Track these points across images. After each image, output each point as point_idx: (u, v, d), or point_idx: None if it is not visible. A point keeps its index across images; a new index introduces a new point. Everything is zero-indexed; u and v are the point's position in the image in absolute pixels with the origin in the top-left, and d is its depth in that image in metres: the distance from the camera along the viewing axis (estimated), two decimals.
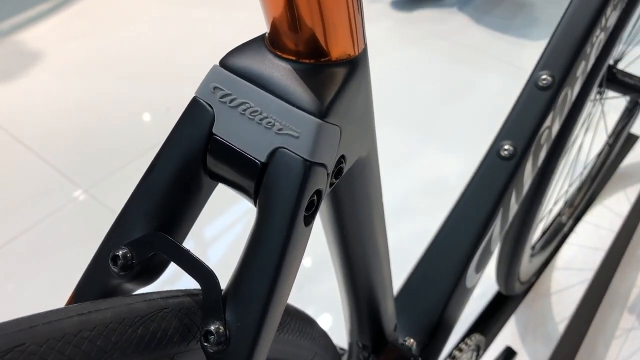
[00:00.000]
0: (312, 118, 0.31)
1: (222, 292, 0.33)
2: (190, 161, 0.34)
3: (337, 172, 0.34)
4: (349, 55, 0.33)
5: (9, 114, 1.66)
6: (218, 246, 1.35)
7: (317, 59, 0.32)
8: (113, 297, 0.33)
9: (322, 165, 0.32)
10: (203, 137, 0.33)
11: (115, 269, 0.34)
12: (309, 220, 0.33)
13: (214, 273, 0.33)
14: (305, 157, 0.31)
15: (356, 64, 0.33)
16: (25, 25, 1.99)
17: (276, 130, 0.31)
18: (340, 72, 0.32)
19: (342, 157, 0.34)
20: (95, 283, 0.36)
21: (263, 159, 0.32)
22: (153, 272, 0.35)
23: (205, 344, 0.31)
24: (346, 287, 0.53)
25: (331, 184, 0.34)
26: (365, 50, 0.34)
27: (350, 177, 0.40)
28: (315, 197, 0.32)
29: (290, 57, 0.32)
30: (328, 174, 0.33)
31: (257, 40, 0.33)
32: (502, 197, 0.73)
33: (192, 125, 0.33)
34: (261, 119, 0.32)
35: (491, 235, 0.74)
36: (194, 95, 0.34)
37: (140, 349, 0.30)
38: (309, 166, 0.31)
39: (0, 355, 0.25)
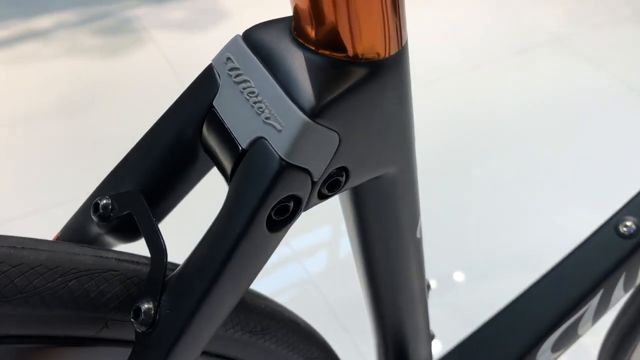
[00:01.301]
0: (299, 114, 0.27)
1: (170, 275, 0.30)
2: (189, 128, 0.32)
3: (332, 184, 0.30)
4: (376, 55, 0.28)
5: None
6: None
7: (336, 53, 0.28)
8: (82, 244, 0.32)
9: (304, 170, 0.28)
10: (204, 107, 0.31)
11: (94, 217, 0.33)
12: (278, 227, 0.29)
13: (165, 252, 0.30)
14: (281, 154, 0.27)
15: (384, 67, 0.29)
16: None
17: (264, 118, 0.28)
18: (357, 73, 0.28)
19: (343, 169, 0.30)
20: (79, 226, 0.35)
21: (244, 145, 0.29)
22: (128, 230, 0.34)
23: (133, 320, 0.29)
24: (373, 325, 0.48)
25: (323, 195, 0.30)
26: (401, 52, 0.29)
27: (375, 197, 0.36)
28: (290, 204, 0.29)
29: (309, 45, 0.28)
30: (314, 182, 0.29)
31: (285, 20, 0.30)
32: (607, 277, 0.63)
33: (198, 92, 0.32)
34: (255, 102, 0.29)
35: (581, 316, 0.64)
36: (211, 61, 0.32)
37: (64, 301, 0.29)
38: (283, 166, 0.27)
39: None
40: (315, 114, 0.27)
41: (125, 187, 0.34)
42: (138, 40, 1.84)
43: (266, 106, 0.28)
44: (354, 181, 0.32)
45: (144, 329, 0.29)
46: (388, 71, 0.29)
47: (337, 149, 0.29)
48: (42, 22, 1.93)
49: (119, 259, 0.31)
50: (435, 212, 1.26)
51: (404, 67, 0.30)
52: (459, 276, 1.18)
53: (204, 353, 0.37)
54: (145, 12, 1.95)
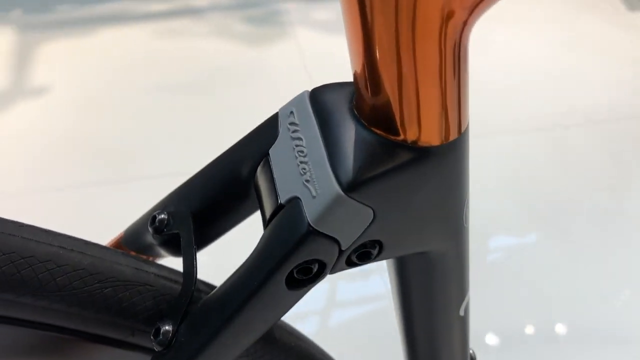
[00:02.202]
0: (334, 185, 0.27)
1: (198, 302, 0.32)
2: (245, 167, 0.34)
3: (363, 254, 0.30)
4: (428, 142, 0.28)
5: None
6: None
7: (385, 133, 0.28)
8: (128, 254, 0.35)
9: (331, 238, 0.28)
10: (262, 151, 0.32)
11: (150, 229, 0.36)
12: (298, 285, 0.30)
13: (194, 279, 0.32)
14: (310, 220, 0.28)
15: (433, 154, 0.28)
16: None
17: (304, 180, 0.29)
18: (403, 156, 0.28)
19: (377, 242, 0.30)
20: (139, 232, 0.38)
21: (282, 200, 0.30)
22: (177, 247, 0.36)
23: (152, 337, 0.31)
24: None
25: (352, 263, 0.31)
26: (456, 141, 0.29)
27: (418, 271, 0.36)
28: (314, 266, 0.29)
29: (362, 119, 0.29)
30: (342, 251, 0.29)
31: (352, 85, 0.31)
32: None
33: (261, 136, 0.33)
34: (301, 162, 0.29)
35: None
36: (278, 109, 0.33)
37: (97, 305, 0.31)
38: (310, 232, 0.28)
39: None
40: (350, 188, 0.27)
41: (183, 206, 0.36)
42: (281, 34, 1.90)
43: (309, 169, 0.29)
44: (389, 254, 0.32)
45: (160, 348, 0.31)
46: (437, 158, 0.29)
47: (370, 224, 0.29)
48: (200, 1, 2.05)
49: (158, 275, 0.34)
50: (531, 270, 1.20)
51: (457, 155, 0.29)
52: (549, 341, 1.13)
53: None
54: (294, 7, 2.01)
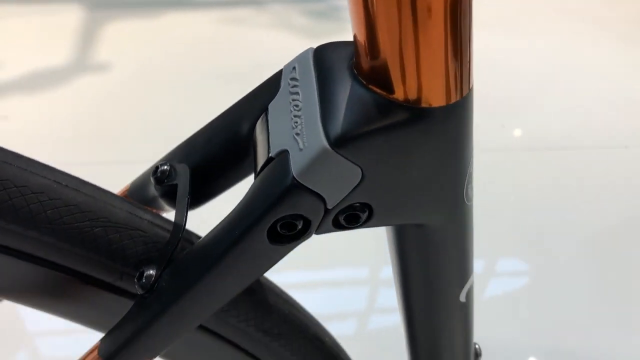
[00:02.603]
0: (322, 139, 0.27)
1: (184, 251, 0.32)
2: (246, 124, 0.33)
3: (351, 217, 0.30)
4: (425, 103, 0.27)
5: None
6: None
7: (382, 90, 0.27)
8: (124, 198, 0.35)
9: (315, 194, 0.28)
10: (262, 107, 0.32)
11: (152, 179, 0.36)
12: (282, 241, 0.29)
13: (181, 229, 0.32)
14: (294, 173, 0.27)
15: (430, 116, 0.27)
16: None
17: (295, 133, 0.28)
18: (397, 115, 0.27)
19: (367, 206, 0.29)
20: (142, 185, 0.39)
21: (272, 153, 0.29)
22: (174, 199, 0.36)
23: (136, 280, 0.31)
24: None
25: (340, 225, 0.30)
26: (455, 106, 0.28)
27: (416, 244, 0.35)
28: (299, 223, 0.29)
29: (359, 76, 0.28)
30: (327, 210, 0.29)
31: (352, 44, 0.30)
32: None
33: (264, 92, 0.33)
34: (295, 115, 0.29)
35: None
36: (283, 66, 0.33)
37: (86, 243, 0.32)
38: (293, 185, 0.27)
39: None
40: (337, 143, 0.27)
41: (186, 160, 0.36)
42: (340, 30, 1.90)
43: (301, 122, 0.28)
44: (380, 222, 0.31)
45: (141, 291, 0.31)
46: (434, 121, 0.27)
47: (358, 184, 0.28)
48: None
49: (151, 222, 0.34)
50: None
51: (456, 120, 0.28)
52: None
53: (215, 334, 0.38)
54: None
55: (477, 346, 0.48)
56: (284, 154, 0.28)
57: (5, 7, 1.94)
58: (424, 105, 0.27)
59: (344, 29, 1.91)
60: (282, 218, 0.28)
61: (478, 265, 1.23)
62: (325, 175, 0.27)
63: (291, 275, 1.16)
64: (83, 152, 1.43)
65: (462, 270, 0.37)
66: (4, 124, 1.54)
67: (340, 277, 1.19)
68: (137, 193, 0.39)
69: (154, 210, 0.39)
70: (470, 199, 0.33)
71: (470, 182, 0.32)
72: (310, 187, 0.27)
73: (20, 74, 1.70)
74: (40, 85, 1.67)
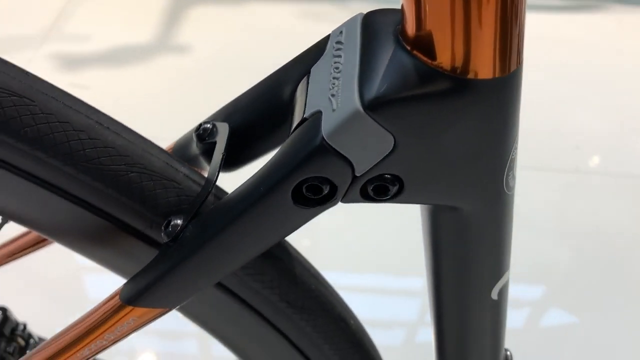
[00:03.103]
0: (355, 101, 0.26)
1: (212, 205, 0.32)
2: (289, 87, 0.33)
3: (380, 188, 0.29)
4: (469, 73, 0.26)
5: None
6: None
7: (425, 57, 0.26)
8: (165, 150, 0.35)
9: (344, 158, 0.27)
10: (307, 69, 0.32)
11: (194, 136, 0.37)
12: (306, 203, 0.29)
13: (213, 184, 0.32)
14: (324, 134, 0.27)
15: (472, 88, 0.26)
16: None
17: (330, 94, 0.28)
18: (438, 84, 0.26)
19: (397, 179, 0.29)
20: (186, 143, 0.39)
21: (307, 114, 0.29)
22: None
23: (162, 228, 0.32)
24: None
25: (368, 196, 0.29)
26: (501, 81, 0.26)
27: (449, 230, 0.34)
28: (325, 187, 0.28)
29: (404, 42, 0.27)
30: (355, 177, 0.28)
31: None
32: None
33: (310, 55, 0.32)
34: (334, 77, 0.29)
35: None
36: (331, 30, 0.32)
37: (120, 186, 0.32)
38: (321, 146, 0.27)
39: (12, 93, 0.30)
40: (370, 106, 0.26)
41: (229, 120, 0.36)
42: None
43: (338, 84, 0.28)
44: (411, 198, 0.30)
45: (166, 239, 0.32)
46: (477, 94, 0.26)
47: (390, 153, 0.27)
48: None
49: (187, 175, 0.34)
50: None
51: (501, 96, 0.27)
52: None
53: (239, 299, 0.38)
54: None
55: (508, 352, 0.46)
56: (317, 115, 0.28)
57: None
58: (469, 76, 0.26)
59: None
60: (308, 179, 0.28)
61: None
62: (355, 139, 0.27)
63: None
64: (155, 127, 1.47)
65: (496, 264, 0.35)
66: (84, 92, 1.60)
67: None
68: (180, 150, 0.40)
69: (195, 169, 0.40)
70: (511, 189, 0.32)
71: (512, 169, 0.31)
72: (338, 150, 0.27)
73: (105, 47, 1.77)
74: (122, 60, 1.74)
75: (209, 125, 0.36)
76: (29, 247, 0.53)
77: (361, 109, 0.26)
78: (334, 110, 0.27)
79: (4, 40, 1.76)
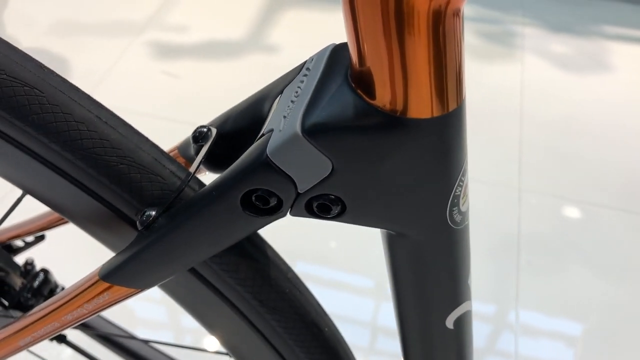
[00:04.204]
0: (296, 124, 0.29)
1: (185, 198, 0.36)
2: (270, 102, 0.36)
3: (323, 207, 0.31)
4: (404, 114, 0.28)
5: None
6: None
7: (366, 95, 0.28)
8: (157, 145, 0.39)
9: (286, 175, 0.30)
10: (281, 90, 0.35)
11: (191, 137, 0.40)
12: (256, 212, 0.32)
13: (188, 178, 0.36)
14: (267, 150, 0.29)
15: (404, 126, 0.28)
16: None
17: (283, 115, 0.30)
18: (371, 119, 0.28)
19: (339, 200, 0.31)
20: (187, 143, 0.43)
21: (264, 130, 0.32)
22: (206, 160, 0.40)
23: (137, 216, 0.36)
24: None
25: (313, 212, 0.32)
26: (434, 121, 0.28)
27: (401, 254, 0.35)
28: (272, 200, 0.31)
29: (350, 79, 0.29)
30: (299, 194, 0.30)
31: None
32: None
33: (289, 77, 0.35)
34: (291, 100, 0.31)
35: None
36: (310, 56, 0.35)
37: (110, 176, 0.36)
38: (264, 161, 0.30)
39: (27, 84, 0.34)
40: (308, 131, 0.28)
41: (220, 126, 0.40)
42: (509, 55, 1.85)
43: (292, 107, 0.30)
44: (355, 220, 0.32)
45: (140, 228, 0.35)
46: (414, 132, 0.28)
47: (329, 176, 0.30)
48: None
49: (173, 173, 0.38)
50: None
51: (438, 135, 0.28)
52: None
53: (215, 290, 0.41)
54: (533, 33, 1.94)
55: None
56: (270, 133, 0.31)
57: None
58: (406, 114, 0.28)
59: (512, 55, 1.85)
60: (255, 190, 0.31)
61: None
62: (294, 159, 0.29)
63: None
64: None
65: (449, 293, 0.36)
66: (174, 81, 1.70)
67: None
68: (182, 150, 0.43)
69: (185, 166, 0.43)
70: (458, 224, 0.33)
71: (456, 205, 0.32)
72: (279, 167, 0.29)
73: (200, 40, 1.87)
74: (214, 53, 1.83)
75: (203, 129, 0.39)
76: None
77: (300, 132, 0.28)
78: (280, 130, 0.30)
79: (109, 24, 1.90)
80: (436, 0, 0.24)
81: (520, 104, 1.69)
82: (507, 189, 1.45)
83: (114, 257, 0.37)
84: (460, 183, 0.31)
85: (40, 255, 0.71)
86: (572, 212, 1.42)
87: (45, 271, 0.68)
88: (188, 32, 1.89)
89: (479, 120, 1.60)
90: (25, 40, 1.80)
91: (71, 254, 1.07)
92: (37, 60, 0.36)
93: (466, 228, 0.34)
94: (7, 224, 0.63)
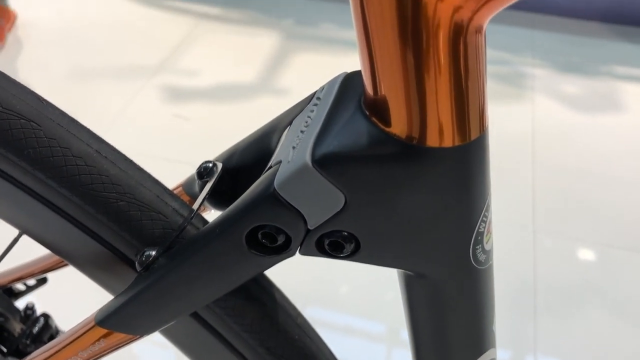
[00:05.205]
0: (306, 155, 0.27)
1: (187, 237, 0.33)
2: (278, 135, 0.34)
3: (335, 245, 0.29)
4: (423, 142, 0.26)
5: None
6: None
7: (379, 122, 0.26)
8: (159, 182, 0.37)
9: (295, 209, 0.27)
10: (290, 121, 0.33)
11: (196, 173, 0.38)
12: (262, 250, 0.29)
13: (191, 215, 0.34)
14: (275, 183, 0.27)
15: (425, 157, 0.26)
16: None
17: (292, 145, 0.29)
18: (388, 149, 0.26)
19: (353, 238, 0.28)
20: (192, 179, 0.41)
21: (271, 163, 0.30)
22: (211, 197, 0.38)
23: (136, 256, 0.33)
24: None
25: (324, 251, 0.29)
26: (459, 150, 0.26)
27: (419, 296, 0.33)
28: (280, 237, 0.29)
29: (365, 108, 0.27)
30: (309, 230, 0.28)
31: None
32: None
33: (297, 108, 0.33)
34: (301, 130, 0.29)
35: None
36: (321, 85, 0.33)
37: (109, 213, 0.34)
38: (271, 194, 0.27)
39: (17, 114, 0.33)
40: (319, 161, 0.26)
41: (226, 161, 0.38)
42: (519, 96, 1.84)
43: (301, 137, 0.28)
44: (370, 259, 0.29)
45: (139, 269, 0.33)
46: (432, 162, 0.26)
47: (342, 211, 0.27)
48: None
49: (176, 210, 0.36)
50: None
51: (461, 164, 0.26)
52: None
53: (221, 337, 0.39)
54: (543, 74, 1.93)
55: None
56: (277, 165, 0.29)
57: (214, 24, 2.16)
58: (423, 143, 0.26)
59: (523, 96, 1.84)
60: (262, 227, 0.28)
61: None
62: (304, 192, 0.27)
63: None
64: None
65: (472, 341, 0.34)
66: (184, 123, 1.70)
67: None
68: (187, 188, 0.41)
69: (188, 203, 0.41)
70: (482, 263, 0.30)
71: (480, 243, 0.29)
72: (288, 201, 0.27)
73: (211, 83, 1.87)
74: (225, 97, 1.83)
75: (208, 165, 0.38)
76: None
77: (310, 163, 0.26)
78: (288, 162, 0.28)
79: (122, 67, 1.91)
80: (458, 14, 0.22)
81: (532, 145, 1.67)
82: (521, 231, 1.41)
83: (111, 300, 0.34)
84: (484, 218, 0.29)
85: (42, 298, 0.69)
86: (588, 254, 1.38)
87: (46, 316, 0.65)
88: (200, 75, 1.90)
89: (490, 162, 1.57)
90: (39, 85, 1.81)
91: (75, 297, 1.04)
92: (35, 93, 0.35)
93: (490, 268, 0.31)
94: (8, 266, 0.61)
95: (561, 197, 1.53)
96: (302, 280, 1.04)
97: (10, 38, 1.95)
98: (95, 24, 2.09)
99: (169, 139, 1.64)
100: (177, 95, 1.81)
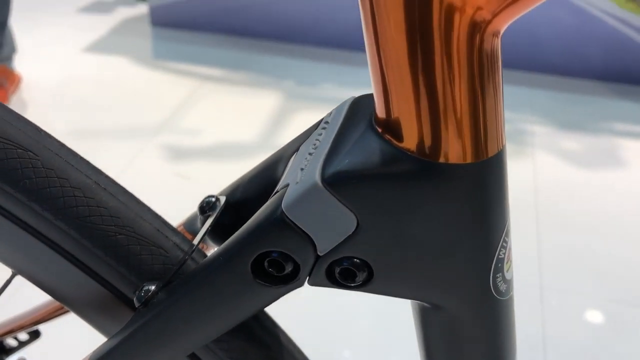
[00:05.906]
0: (316, 174, 0.25)
1: (185, 272, 0.32)
2: (284, 165, 0.33)
3: (347, 272, 0.27)
4: (441, 158, 0.24)
5: None
6: None
7: (395, 141, 0.25)
8: (159, 216, 0.35)
9: (304, 234, 0.26)
10: (296, 148, 0.32)
11: (198, 208, 0.37)
12: (268, 280, 0.28)
13: (189, 253, 0.32)
14: (283, 206, 0.26)
15: (442, 174, 0.24)
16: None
17: (300, 167, 0.27)
18: (403, 165, 0.25)
19: (366, 265, 0.27)
20: (195, 217, 0.39)
21: (279, 187, 0.28)
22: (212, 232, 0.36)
23: (134, 292, 0.32)
24: None
25: (335, 281, 0.27)
26: (478, 167, 0.24)
27: (435, 328, 0.31)
28: (288, 265, 0.27)
29: (376, 124, 0.26)
30: (319, 257, 0.27)
31: None
32: None
33: (305, 134, 0.32)
34: (309, 152, 0.28)
35: None
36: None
37: (107, 247, 0.33)
38: (279, 217, 0.26)
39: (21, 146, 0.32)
40: (330, 180, 0.25)
41: (230, 195, 0.36)
42: (519, 153, 1.84)
43: (309, 159, 0.27)
44: (384, 289, 0.28)
45: (138, 304, 0.31)
46: (448, 179, 0.25)
47: (354, 234, 0.26)
48: None
49: (177, 245, 0.34)
50: None
51: (478, 182, 0.25)
52: None
53: None
54: (542, 131, 1.94)
55: None
56: (285, 188, 0.27)
57: (216, 85, 2.18)
58: (439, 159, 0.24)
59: (523, 152, 1.84)
60: (269, 253, 0.27)
61: None
62: (313, 214, 0.26)
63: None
64: None
65: None
66: (184, 183, 1.70)
67: None
68: (188, 225, 0.40)
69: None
70: (503, 294, 0.29)
71: (500, 271, 0.28)
72: (297, 224, 0.26)
73: (212, 142, 1.88)
74: (225, 156, 1.83)
75: (211, 199, 0.36)
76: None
77: (320, 182, 0.25)
78: (297, 183, 0.26)
79: (123, 128, 1.92)
80: (476, 16, 0.21)
81: (535, 201, 1.65)
82: (527, 287, 1.38)
83: (106, 341, 0.32)
84: (504, 244, 0.27)
85: (36, 351, 0.66)
86: (596, 310, 1.35)
87: None
88: (200, 135, 1.91)
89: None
90: None
91: (71, 350, 1.00)
92: (33, 123, 0.34)
93: (511, 300, 0.29)
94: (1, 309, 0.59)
95: (566, 252, 1.51)
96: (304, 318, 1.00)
97: (14, 100, 1.97)
98: (100, 85, 2.12)
99: (170, 198, 1.63)
100: (178, 154, 1.82)
